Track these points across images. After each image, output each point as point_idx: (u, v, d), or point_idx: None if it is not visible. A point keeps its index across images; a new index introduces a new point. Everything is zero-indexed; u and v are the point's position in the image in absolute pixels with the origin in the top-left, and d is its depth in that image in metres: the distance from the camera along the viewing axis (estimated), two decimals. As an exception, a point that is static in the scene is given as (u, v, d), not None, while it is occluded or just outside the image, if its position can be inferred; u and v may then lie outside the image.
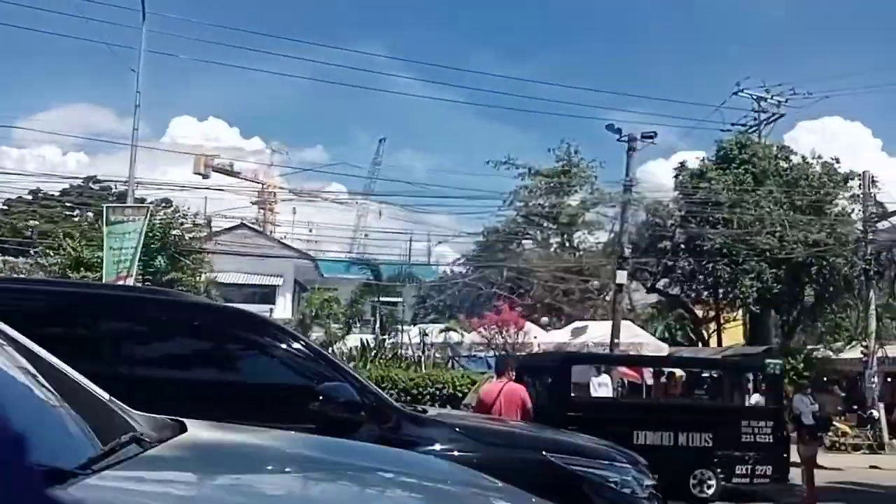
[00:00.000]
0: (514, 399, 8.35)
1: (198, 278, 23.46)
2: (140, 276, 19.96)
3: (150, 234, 20.12)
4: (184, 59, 61.31)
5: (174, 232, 22.51)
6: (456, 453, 4.10)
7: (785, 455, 11.72)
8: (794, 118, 41.91)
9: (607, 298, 27.98)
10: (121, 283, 16.22)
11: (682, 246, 26.13)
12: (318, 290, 28.58)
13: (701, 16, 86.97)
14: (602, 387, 18.61)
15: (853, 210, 24.49)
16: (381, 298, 49.77)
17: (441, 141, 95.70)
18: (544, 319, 29.95)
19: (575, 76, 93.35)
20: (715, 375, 15.60)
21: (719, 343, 28.93)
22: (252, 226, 41.59)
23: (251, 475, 2.14)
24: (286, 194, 54.64)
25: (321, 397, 4.14)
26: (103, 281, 15.75)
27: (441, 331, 23.29)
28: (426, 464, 3.03)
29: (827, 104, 48.04)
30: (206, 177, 62.44)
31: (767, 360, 14.23)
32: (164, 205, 27.20)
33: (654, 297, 31.68)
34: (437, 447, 4.21)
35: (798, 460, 11.51)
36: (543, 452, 4.53)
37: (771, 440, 11.46)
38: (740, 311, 28.71)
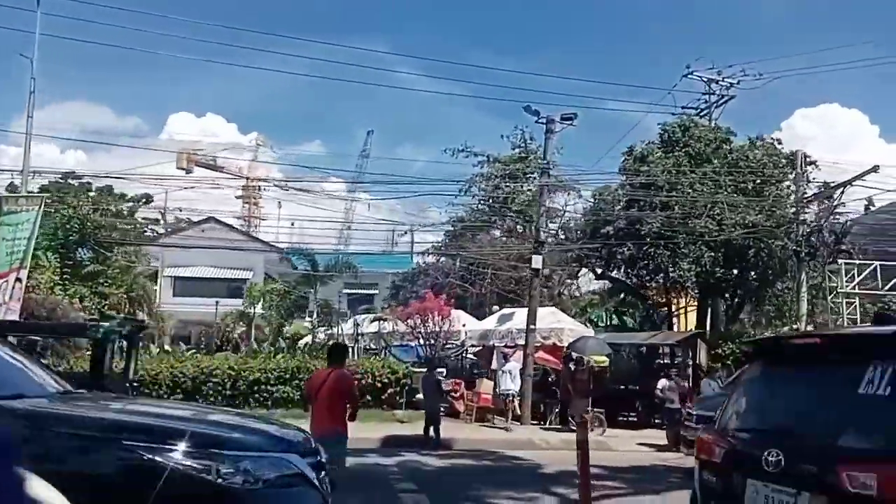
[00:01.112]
0: (338, 387, 8.32)
1: (132, 271, 23.54)
2: (58, 269, 20.10)
3: (69, 226, 20.25)
4: (184, 55, 61.51)
5: (97, 219, 22.38)
6: None
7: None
8: (744, 100, 41.29)
9: (557, 285, 27.78)
10: (13, 275, 16.29)
11: (622, 231, 25.77)
12: (266, 282, 28.62)
13: (699, 12, 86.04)
14: (505, 374, 18.51)
15: (792, 192, 24.04)
16: (357, 291, 49.70)
17: (441, 135, 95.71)
18: (496, 308, 29.80)
19: (574, 68, 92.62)
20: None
21: (669, 328, 28.66)
22: (221, 219, 41.71)
23: None
24: (273, 188, 55.14)
25: None
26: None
27: (372, 321, 23.26)
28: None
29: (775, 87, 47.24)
30: (189, 172, 62.85)
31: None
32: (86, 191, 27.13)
33: (610, 285, 31.38)
34: None
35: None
36: (121, 437, 4.44)
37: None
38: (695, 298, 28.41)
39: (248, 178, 65.46)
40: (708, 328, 26.35)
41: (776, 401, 4.41)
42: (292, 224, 54.55)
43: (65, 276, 19.44)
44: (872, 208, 26.56)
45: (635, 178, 26.33)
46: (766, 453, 3.96)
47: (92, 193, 56.94)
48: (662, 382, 16.63)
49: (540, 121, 19.97)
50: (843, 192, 21.42)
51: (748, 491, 4.17)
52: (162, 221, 41.17)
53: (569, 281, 30.62)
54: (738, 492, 4.21)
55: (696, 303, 28.79)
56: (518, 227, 33.09)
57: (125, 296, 21.83)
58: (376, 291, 51.47)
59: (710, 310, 27.10)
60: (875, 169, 19.90)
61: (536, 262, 19.33)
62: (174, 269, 42.26)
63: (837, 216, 22.78)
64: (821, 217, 22.00)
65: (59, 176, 52.62)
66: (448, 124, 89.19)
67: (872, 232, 30.14)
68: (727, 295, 26.90)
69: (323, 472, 5.41)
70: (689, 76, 29.85)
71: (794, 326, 21.42)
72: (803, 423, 4.12)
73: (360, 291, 50.74)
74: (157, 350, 23.92)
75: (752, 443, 4.38)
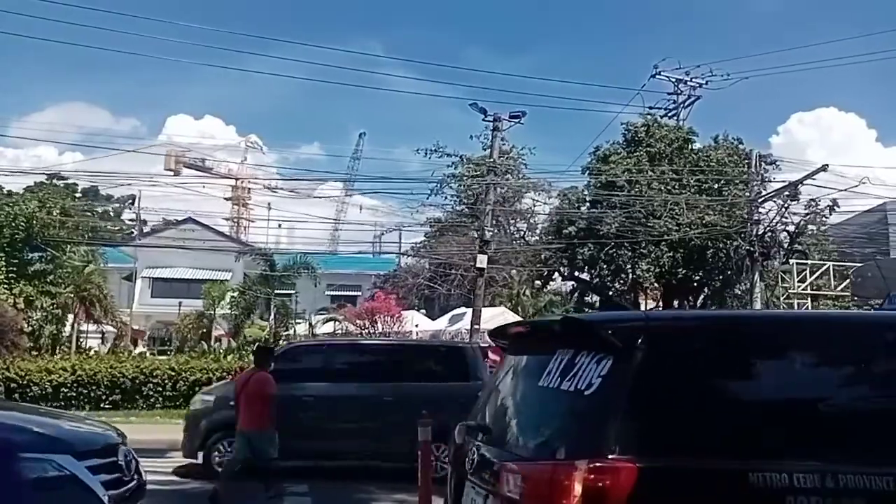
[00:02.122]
0: (256, 389, 8.52)
1: (84, 270, 23.49)
2: (2, 268, 20.07)
3: (14, 224, 20.19)
4: (180, 58, 61.78)
5: (44, 217, 22.23)
6: None
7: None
8: (711, 99, 40.88)
9: (518, 285, 27.61)
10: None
11: (583, 231, 25.59)
12: (216, 284, 28.64)
13: (698, 11, 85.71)
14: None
15: (751, 192, 23.80)
16: (341, 292, 49.72)
17: (436, 136, 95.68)
18: (462, 308, 29.65)
19: (569, 69, 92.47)
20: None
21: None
22: (199, 220, 41.71)
23: None
24: (263, 190, 55.17)
25: None
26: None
27: (325, 321, 23.19)
28: None
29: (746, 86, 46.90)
30: (177, 173, 62.93)
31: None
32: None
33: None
34: None
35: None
36: None
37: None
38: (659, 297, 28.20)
39: (236, 180, 65.48)
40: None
41: (493, 394, 4.25)
42: (279, 225, 54.54)
43: (10, 276, 19.41)
44: (837, 209, 26.28)
45: (598, 178, 26.22)
46: (470, 452, 3.80)
47: (78, 195, 57.27)
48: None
49: (487, 119, 19.83)
50: (794, 193, 21.13)
51: (465, 492, 4.00)
52: (136, 222, 41.24)
53: (538, 283, 30.39)
54: (460, 493, 4.05)
55: (661, 304, 28.59)
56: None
57: (75, 295, 21.77)
58: (359, 293, 51.44)
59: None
60: (824, 168, 19.65)
61: (481, 261, 19.18)
62: (152, 270, 42.28)
63: (793, 216, 22.51)
64: (774, 218, 21.72)
65: (49, 178, 52.96)
66: (443, 124, 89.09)
67: (859, 235, 29.89)
68: (690, 296, 26.68)
69: (118, 474, 5.33)
70: (657, 76, 29.73)
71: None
72: (500, 418, 3.95)
73: (343, 293, 50.69)
74: (112, 350, 23.87)
75: (468, 441, 4.20)
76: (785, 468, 2.86)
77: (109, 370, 18.42)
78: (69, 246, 23.22)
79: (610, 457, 2.83)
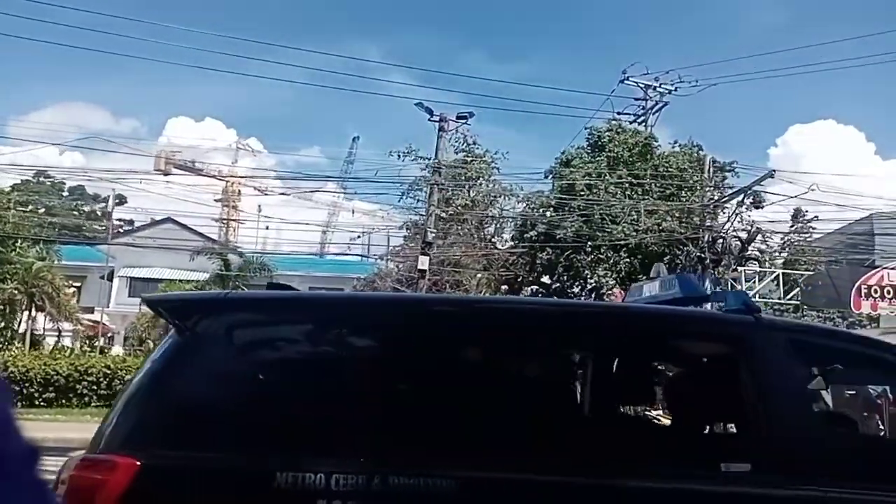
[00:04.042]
0: None
1: (33, 267, 23.38)
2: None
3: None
4: (181, 62, 62.06)
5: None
6: None
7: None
8: (679, 106, 40.53)
9: (475, 289, 27.40)
10: None
11: (543, 236, 25.38)
12: (173, 283, 28.55)
13: (697, 15, 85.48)
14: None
15: (703, 198, 23.55)
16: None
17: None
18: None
19: (566, 76, 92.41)
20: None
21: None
22: (177, 220, 41.70)
23: None
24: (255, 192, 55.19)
25: None
26: None
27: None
28: None
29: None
30: (166, 174, 63.05)
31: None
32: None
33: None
34: None
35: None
36: None
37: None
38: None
39: (226, 182, 65.67)
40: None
41: None
42: (266, 227, 54.50)
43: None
44: (801, 217, 26.04)
45: (559, 182, 26.05)
46: None
47: (65, 193, 57.50)
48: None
49: (433, 119, 19.71)
50: (743, 199, 20.88)
51: None
52: (109, 221, 41.32)
53: (504, 287, 30.14)
54: None
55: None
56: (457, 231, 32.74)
57: (24, 292, 21.71)
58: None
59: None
60: (771, 174, 19.40)
61: (423, 262, 19.03)
62: (129, 270, 42.29)
63: (746, 222, 22.26)
64: (724, 224, 21.45)
65: (36, 176, 53.20)
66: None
67: (845, 245, 29.51)
68: (651, 303, 26.40)
69: None
70: (626, 81, 29.41)
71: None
72: None
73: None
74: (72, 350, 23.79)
75: None
76: (325, 468, 2.62)
77: (43, 367, 18.36)
78: (20, 242, 23.17)
79: (109, 452, 2.65)
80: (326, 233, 56.74)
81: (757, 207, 23.98)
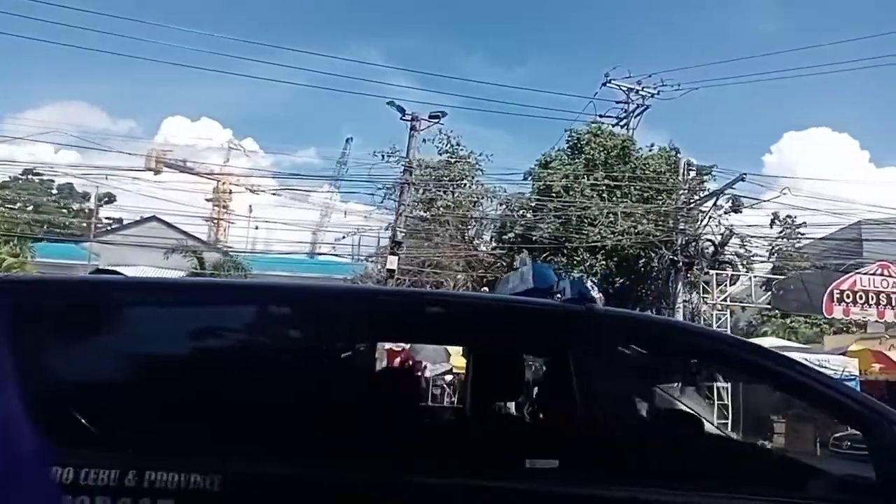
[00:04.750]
0: None
1: (3, 264, 23.27)
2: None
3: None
4: (178, 62, 61.96)
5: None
6: None
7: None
8: (660, 110, 40.38)
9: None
10: None
11: (520, 237, 25.31)
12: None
13: (694, 21, 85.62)
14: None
15: (677, 200, 23.48)
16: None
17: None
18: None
19: (561, 79, 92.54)
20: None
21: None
22: (162, 218, 41.59)
23: None
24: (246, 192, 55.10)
25: None
26: None
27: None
28: None
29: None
30: (157, 173, 62.95)
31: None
32: None
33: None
34: None
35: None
36: None
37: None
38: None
39: (217, 181, 65.60)
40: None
41: None
42: (256, 227, 54.38)
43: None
44: (779, 221, 26.00)
45: (537, 184, 26.03)
46: None
47: (53, 191, 57.37)
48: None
49: (405, 118, 19.62)
50: (716, 202, 20.82)
51: None
52: (91, 219, 41.24)
53: (485, 289, 30.07)
54: None
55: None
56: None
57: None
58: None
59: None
60: (742, 178, 19.34)
61: (391, 262, 18.95)
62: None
63: (724, 226, 22.18)
64: (696, 227, 21.37)
65: (25, 174, 53.09)
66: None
67: (838, 249, 29.47)
68: (628, 306, 26.30)
69: None
70: (609, 84, 29.38)
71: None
72: None
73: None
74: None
75: None
76: (74, 462, 2.41)
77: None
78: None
79: None
80: (317, 233, 56.63)
81: (736, 211, 23.91)
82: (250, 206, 59.40)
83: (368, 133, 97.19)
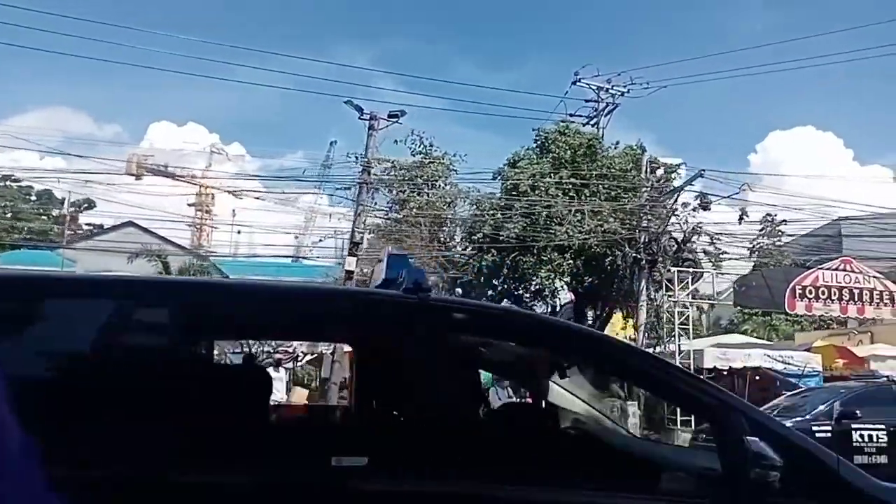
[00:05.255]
0: None
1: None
2: None
3: None
4: (165, 67, 61.80)
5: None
6: None
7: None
8: (629, 108, 40.41)
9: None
10: None
11: (488, 237, 25.20)
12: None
13: (691, 24, 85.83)
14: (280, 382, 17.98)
15: (640, 198, 23.41)
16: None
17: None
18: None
19: (548, 81, 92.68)
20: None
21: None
22: (139, 223, 41.37)
23: None
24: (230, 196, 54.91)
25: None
26: None
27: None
28: None
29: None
30: (138, 178, 62.72)
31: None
32: None
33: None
34: None
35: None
36: None
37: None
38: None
39: (200, 186, 65.34)
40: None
41: None
42: (238, 232, 54.15)
43: None
44: (746, 219, 25.91)
45: (505, 183, 25.96)
46: None
47: (32, 197, 57.05)
48: (492, 390, 16.03)
49: (363, 117, 19.50)
50: (676, 199, 20.77)
51: None
52: (66, 224, 41.02)
53: (458, 290, 29.97)
54: None
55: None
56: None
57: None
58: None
59: (582, 320, 26.47)
60: (700, 174, 19.29)
61: (349, 263, 18.82)
62: (89, 274, 41.91)
63: (691, 224, 22.12)
64: (661, 225, 21.30)
65: (3, 180, 52.75)
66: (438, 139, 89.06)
67: (818, 246, 29.49)
68: (598, 304, 26.25)
69: None
70: (578, 83, 29.29)
71: (632, 337, 20.72)
72: None
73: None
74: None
75: None
76: None
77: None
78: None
79: None
80: (299, 237, 56.45)
81: (704, 208, 23.86)
82: (233, 211, 59.09)
83: (355, 137, 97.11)
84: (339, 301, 3.57)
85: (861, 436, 12.22)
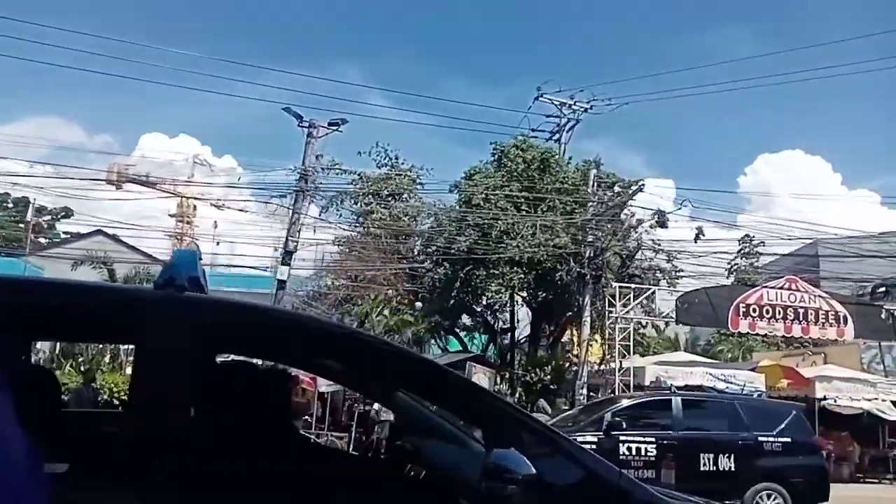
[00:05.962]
0: None
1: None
2: None
3: None
4: (159, 82, 61.88)
5: None
6: None
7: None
8: (592, 125, 40.41)
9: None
10: None
11: (440, 250, 25.00)
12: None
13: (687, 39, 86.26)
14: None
15: (587, 213, 23.20)
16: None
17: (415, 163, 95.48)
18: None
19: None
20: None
21: (512, 354, 27.62)
22: (108, 232, 41.17)
23: None
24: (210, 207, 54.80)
25: None
26: None
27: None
28: None
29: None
30: (118, 187, 62.65)
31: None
32: None
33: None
34: None
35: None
36: None
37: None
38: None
39: (180, 197, 65.20)
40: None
41: None
42: (217, 243, 53.92)
43: None
44: (703, 237, 25.71)
45: (461, 195, 25.82)
46: None
47: (9, 204, 56.92)
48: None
49: (302, 125, 19.33)
50: (619, 214, 20.57)
51: None
52: (29, 231, 40.87)
53: (419, 304, 29.69)
54: None
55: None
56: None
57: None
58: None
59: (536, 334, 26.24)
60: (640, 188, 19.11)
61: (282, 273, 18.55)
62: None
63: (639, 240, 21.91)
64: (602, 240, 21.08)
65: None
66: (417, 151, 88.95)
67: (795, 267, 29.32)
68: (553, 319, 25.99)
69: None
70: (541, 98, 29.22)
71: (574, 353, 20.44)
72: None
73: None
74: None
75: None
76: None
77: None
78: None
79: None
80: (278, 249, 56.22)
81: (661, 226, 23.66)
82: (215, 222, 58.87)
83: (349, 149, 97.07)
84: (81, 296, 3.33)
85: (629, 448, 11.47)
